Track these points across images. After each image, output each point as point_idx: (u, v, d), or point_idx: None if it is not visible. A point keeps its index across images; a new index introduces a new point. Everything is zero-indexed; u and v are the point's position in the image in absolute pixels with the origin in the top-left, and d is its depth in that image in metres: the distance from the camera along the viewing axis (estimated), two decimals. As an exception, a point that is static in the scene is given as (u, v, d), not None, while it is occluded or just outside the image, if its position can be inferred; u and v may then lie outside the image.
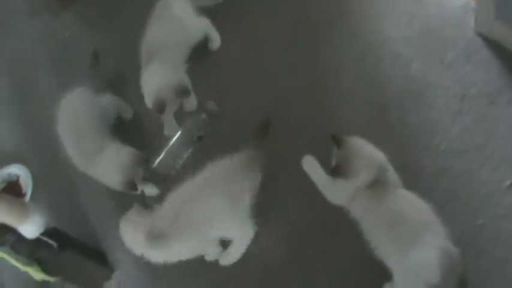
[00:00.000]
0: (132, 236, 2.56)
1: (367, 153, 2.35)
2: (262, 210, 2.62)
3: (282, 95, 2.89)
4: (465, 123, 2.56)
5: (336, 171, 2.34)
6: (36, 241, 2.66)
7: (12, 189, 3.30)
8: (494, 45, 2.68)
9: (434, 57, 2.76)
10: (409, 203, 2.25)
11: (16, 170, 3.37)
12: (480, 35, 2.73)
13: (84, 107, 2.98)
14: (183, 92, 2.94)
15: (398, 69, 2.78)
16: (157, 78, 2.95)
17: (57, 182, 3.21)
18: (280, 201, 2.68)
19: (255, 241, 2.64)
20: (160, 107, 2.91)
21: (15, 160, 3.40)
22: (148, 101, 2.96)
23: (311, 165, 2.61)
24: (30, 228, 2.60)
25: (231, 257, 2.68)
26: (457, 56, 2.72)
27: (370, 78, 2.81)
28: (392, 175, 2.36)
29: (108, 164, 2.82)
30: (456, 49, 2.74)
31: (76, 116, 2.95)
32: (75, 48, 3.73)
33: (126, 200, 2.96)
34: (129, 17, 3.59)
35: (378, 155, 2.35)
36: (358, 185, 2.31)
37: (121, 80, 3.32)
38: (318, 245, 2.54)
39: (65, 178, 3.16)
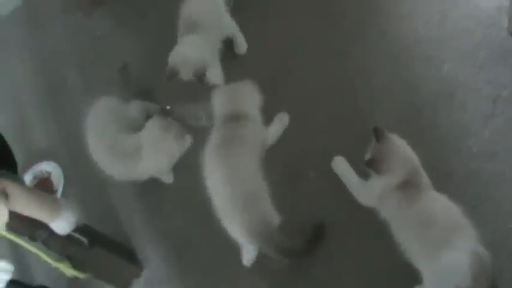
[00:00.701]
0: None
1: (403, 152, 2.35)
2: (291, 210, 2.61)
3: (312, 94, 2.88)
4: (497, 126, 2.54)
5: (370, 164, 2.34)
6: (68, 237, 2.68)
7: (44, 186, 3.33)
8: (527, 47, 2.65)
9: (466, 58, 2.73)
10: (440, 205, 2.23)
11: (48, 167, 3.41)
12: (514, 35, 2.70)
13: (113, 117, 3.00)
14: (198, 76, 2.93)
15: (430, 70, 2.76)
16: (186, 54, 2.97)
17: (88, 179, 3.23)
18: (309, 202, 2.67)
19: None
20: (171, 75, 2.94)
21: (47, 157, 3.44)
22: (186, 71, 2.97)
23: (341, 166, 2.61)
24: (62, 224, 2.63)
25: None
26: (490, 57, 2.70)
27: (402, 78, 2.79)
28: (424, 177, 2.34)
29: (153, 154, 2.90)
30: (489, 50, 2.72)
31: (105, 126, 2.96)
32: (106, 47, 3.77)
33: (155, 197, 3.00)
34: (159, 16, 3.61)
35: (413, 157, 2.34)
36: (388, 183, 2.30)
37: (150, 82, 3.34)
38: (347, 247, 2.53)
39: (95, 176, 3.17)
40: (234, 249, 2.70)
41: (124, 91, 3.23)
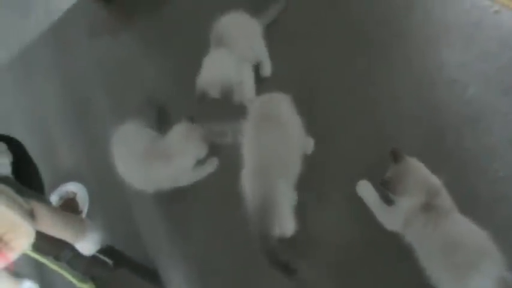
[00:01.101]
0: None
1: (420, 174, 2.34)
2: (315, 232, 2.61)
3: (337, 118, 2.89)
4: (525, 149, 2.51)
5: (384, 183, 2.36)
6: (92, 258, 2.71)
7: (69, 206, 3.37)
8: (554, 69, 2.64)
9: (491, 81, 2.71)
10: (466, 229, 2.21)
11: (73, 188, 3.45)
12: (540, 58, 2.68)
13: (139, 138, 3.05)
14: (224, 95, 2.99)
15: (455, 93, 2.74)
16: (215, 68, 3.03)
17: (113, 200, 3.27)
18: (333, 224, 2.66)
19: (309, 264, 2.62)
20: (201, 97, 2.98)
21: (73, 178, 3.49)
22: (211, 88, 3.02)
23: (366, 190, 2.60)
24: (87, 245, 2.66)
25: None
26: (516, 81, 2.68)
27: (427, 102, 2.78)
28: (447, 200, 2.32)
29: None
30: (515, 73, 2.70)
31: (132, 147, 3.01)
32: (132, 71, 3.81)
33: (180, 219, 3.01)
34: (185, 40, 3.65)
35: (432, 179, 2.33)
36: (411, 206, 2.30)
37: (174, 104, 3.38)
38: (371, 271, 2.51)
39: (120, 197, 3.21)
40: (258, 277, 2.70)
41: (148, 119, 3.26)
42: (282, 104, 2.71)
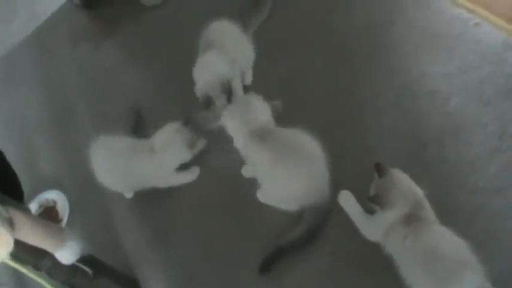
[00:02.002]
0: None
1: (405, 186, 2.35)
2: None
3: (320, 129, 2.88)
4: (503, 161, 2.53)
5: (373, 199, 2.36)
6: (72, 267, 2.68)
7: (50, 214, 3.34)
8: (533, 83, 2.67)
9: (472, 93, 2.74)
10: (447, 239, 2.22)
11: (53, 196, 3.42)
12: (519, 72, 2.72)
13: (120, 139, 3.07)
14: (226, 91, 2.99)
15: (437, 105, 2.77)
16: (209, 69, 3.04)
17: (93, 209, 3.24)
18: (317, 236, 2.65)
19: (291, 274, 2.62)
20: (207, 102, 2.98)
21: (53, 186, 3.45)
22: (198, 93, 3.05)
23: (347, 201, 2.61)
24: (67, 254, 2.63)
25: None
26: (496, 93, 2.71)
27: (408, 113, 2.80)
28: (429, 210, 2.34)
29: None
30: (495, 86, 2.73)
31: (114, 147, 3.03)
32: (115, 79, 3.80)
33: (161, 228, 3.00)
34: (169, 49, 3.65)
35: (416, 190, 2.35)
36: (393, 218, 2.31)
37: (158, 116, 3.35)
38: (353, 281, 2.51)
39: (101, 205, 3.20)
40: (241, 284, 2.70)
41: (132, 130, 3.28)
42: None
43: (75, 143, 3.58)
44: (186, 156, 3.02)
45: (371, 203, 2.38)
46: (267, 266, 2.63)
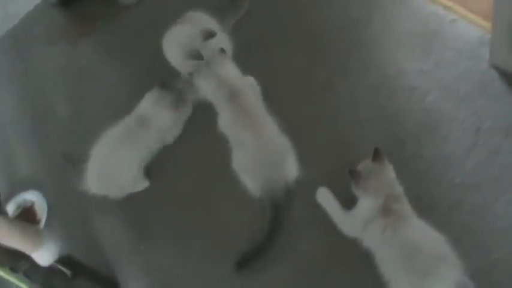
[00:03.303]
0: None
1: (386, 177, 2.41)
2: (276, 241, 2.62)
3: (296, 126, 2.89)
4: (480, 157, 2.56)
5: (352, 173, 2.41)
6: (50, 268, 2.65)
7: (27, 215, 3.30)
8: (509, 78, 2.70)
9: (449, 90, 2.77)
10: (425, 234, 2.25)
11: (31, 197, 3.38)
12: (495, 67, 2.75)
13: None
14: (208, 34, 3.03)
15: (414, 102, 2.79)
16: (179, 32, 3.13)
17: (72, 209, 3.21)
18: (295, 233, 2.66)
19: (268, 272, 2.62)
20: (196, 54, 2.99)
21: (31, 186, 3.41)
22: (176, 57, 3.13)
23: (325, 197, 2.62)
24: (44, 255, 2.60)
25: None
26: (472, 89, 2.74)
27: (386, 110, 2.82)
28: (406, 205, 2.36)
29: None
30: (471, 82, 2.76)
31: (110, 136, 3.08)
32: (92, 77, 3.77)
33: (140, 228, 2.98)
34: (145, 47, 3.64)
35: (395, 184, 2.40)
36: (368, 209, 2.34)
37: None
38: (331, 277, 2.51)
39: (80, 206, 3.17)
40: (220, 281, 2.70)
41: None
42: None
43: (53, 143, 3.55)
44: (173, 117, 3.13)
45: (349, 175, 2.41)
46: (244, 262, 2.64)
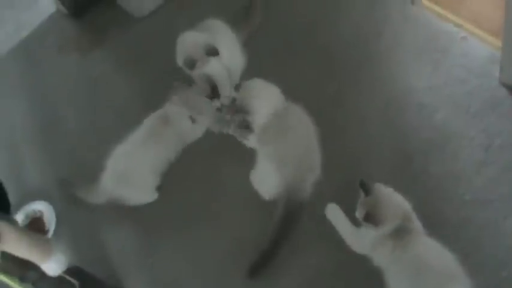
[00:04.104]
0: None
1: (393, 200, 2.35)
2: (285, 254, 2.62)
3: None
4: (490, 174, 2.56)
5: (367, 219, 2.32)
6: (59, 279, 2.66)
7: (36, 225, 3.31)
8: (519, 96, 2.70)
9: (459, 107, 2.77)
10: (434, 252, 2.24)
11: (40, 207, 3.38)
12: (505, 85, 2.76)
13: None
14: (211, 51, 3.03)
15: (423, 118, 2.79)
16: (189, 37, 3.12)
17: (80, 220, 3.22)
18: (304, 247, 2.66)
19: (276, 284, 2.62)
20: (190, 63, 3.02)
21: (40, 197, 3.42)
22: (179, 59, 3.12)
23: (335, 214, 2.61)
24: (53, 265, 2.61)
25: None
26: (482, 106, 2.74)
27: (395, 126, 2.83)
28: (416, 222, 2.35)
29: None
30: (481, 99, 2.76)
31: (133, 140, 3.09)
32: (103, 89, 3.79)
33: (147, 240, 2.98)
34: (156, 59, 3.66)
35: (404, 203, 2.35)
36: (384, 232, 2.30)
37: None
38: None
39: (88, 217, 3.17)
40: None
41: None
42: None
43: (62, 153, 3.56)
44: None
45: (365, 223, 2.34)
46: (255, 270, 2.64)
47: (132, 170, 3.02)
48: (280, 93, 2.91)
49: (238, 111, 2.90)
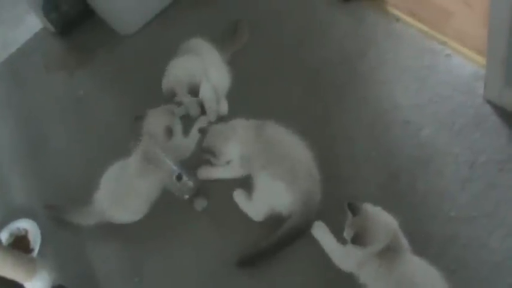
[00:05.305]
0: None
1: (383, 220, 2.33)
2: (272, 274, 2.61)
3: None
4: (475, 191, 2.56)
5: (356, 240, 2.29)
6: (43, 298, 2.65)
7: (21, 243, 3.28)
8: (503, 113, 2.72)
9: (443, 124, 2.79)
10: (420, 270, 2.23)
11: (25, 225, 3.36)
12: (489, 102, 2.77)
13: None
14: (192, 91, 3.13)
15: (408, 136, 2.81)
16: (178, 69, 3.19)
17: (65, 238, 3.20)
18: (290, 266, 2.65)
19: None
20: (169, 95, 3.12)
21: (25, 215, 3.40)
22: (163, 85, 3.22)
23: (321, 232, 2.61)
24: (38, 284, 2.61)
25: None
26: (466, 123, 2.75)
27: (380, 144, 2.84)
28: (403, 240, 2.35)
29: None
30: (465, 116, 2.78)
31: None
32: (90, 106, 3.79)
33: (133, 259, 2.97)
34: (143, 78, 3.67)
35: (392, 222, 2.34)
36: (372, 251, 2.30)
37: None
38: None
39: (73, 235, 3.16)
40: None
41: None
42: None
43: (48, 172, 3.55)
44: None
45: (354, 244, 2.30)
46: (245, 262, 2.67)
47: (128, 191, 2.99)
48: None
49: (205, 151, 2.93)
